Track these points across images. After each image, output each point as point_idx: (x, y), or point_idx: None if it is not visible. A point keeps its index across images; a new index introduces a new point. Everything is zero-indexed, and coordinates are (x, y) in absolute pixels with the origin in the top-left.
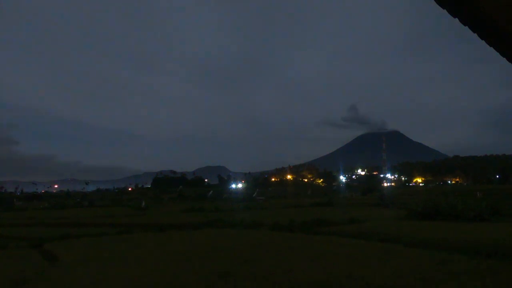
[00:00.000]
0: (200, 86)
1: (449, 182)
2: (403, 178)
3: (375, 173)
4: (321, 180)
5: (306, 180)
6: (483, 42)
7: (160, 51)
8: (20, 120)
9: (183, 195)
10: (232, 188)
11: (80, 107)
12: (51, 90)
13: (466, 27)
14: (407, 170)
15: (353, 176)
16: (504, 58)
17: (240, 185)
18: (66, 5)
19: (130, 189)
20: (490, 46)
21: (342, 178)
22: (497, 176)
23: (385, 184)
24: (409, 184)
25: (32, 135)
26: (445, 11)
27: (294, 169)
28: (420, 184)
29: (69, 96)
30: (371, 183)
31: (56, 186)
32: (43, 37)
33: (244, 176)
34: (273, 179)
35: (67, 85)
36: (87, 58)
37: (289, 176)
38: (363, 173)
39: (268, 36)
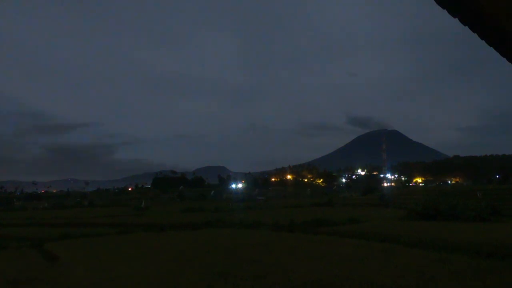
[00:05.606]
0: (201, 93)
1: (449, 182)
2: (403, 178)
3: (375, 173)
4: (321, 180)
5: (306, 180)
6: (483, 42)
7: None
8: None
9: (183, 195)
10: (232, 188)
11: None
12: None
13: (466, 27)
14: (407, 170)
15: (353, 176)
16: (504, 58)
17: (240, 185)
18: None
19: (130, 189)
20: (490, 46)
21: (342, 178)
22: (497, 176)
23: (385, 184)
24: (409, 184)
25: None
26: (445, 11)
27: (294, 169)
28: (420, 184)
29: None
30: (371, 183)
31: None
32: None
33: (244, 176)
34: (273, 179)
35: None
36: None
37: (289, 176)
38: (363, 173)
39: (271, 50)
